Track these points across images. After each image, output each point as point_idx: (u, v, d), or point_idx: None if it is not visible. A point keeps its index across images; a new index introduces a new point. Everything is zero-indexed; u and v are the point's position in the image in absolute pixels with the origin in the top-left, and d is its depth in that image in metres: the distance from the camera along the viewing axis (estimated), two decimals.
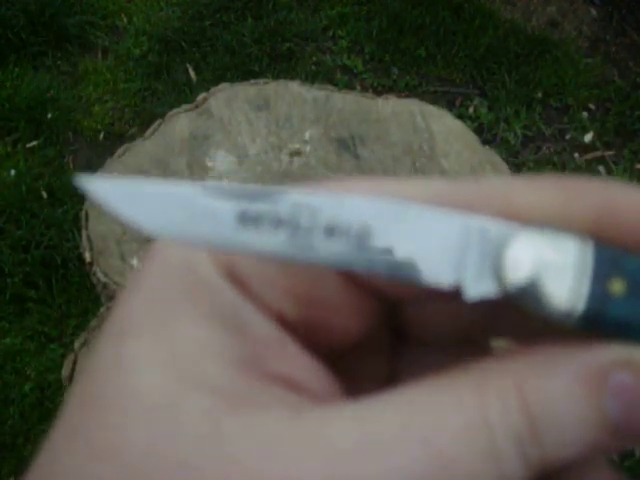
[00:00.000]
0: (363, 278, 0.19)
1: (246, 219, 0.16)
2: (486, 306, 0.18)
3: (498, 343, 0.22)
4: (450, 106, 1.76)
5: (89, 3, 1.89)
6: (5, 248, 1.45)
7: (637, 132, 1.77)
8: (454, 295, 0.17)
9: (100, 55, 1.83)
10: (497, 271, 0.17)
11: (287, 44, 1.83)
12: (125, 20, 1.89)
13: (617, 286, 0.16)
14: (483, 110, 1.77)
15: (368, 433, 0.16)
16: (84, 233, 0.96)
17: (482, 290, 0.17)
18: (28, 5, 1.79)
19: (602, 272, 0.16)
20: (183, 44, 1.82)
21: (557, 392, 0.16)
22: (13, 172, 1.57)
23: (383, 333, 0.21)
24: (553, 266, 0.16)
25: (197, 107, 1.07)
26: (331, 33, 1.90)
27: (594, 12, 2.02)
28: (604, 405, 0.16)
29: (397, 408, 0.16)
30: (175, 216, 0.16)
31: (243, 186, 0.17)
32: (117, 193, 0.16)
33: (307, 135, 1.05)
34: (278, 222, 0.16)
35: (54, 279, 1.43)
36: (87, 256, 0.94)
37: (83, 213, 0.98)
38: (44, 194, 1.54)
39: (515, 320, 0.19)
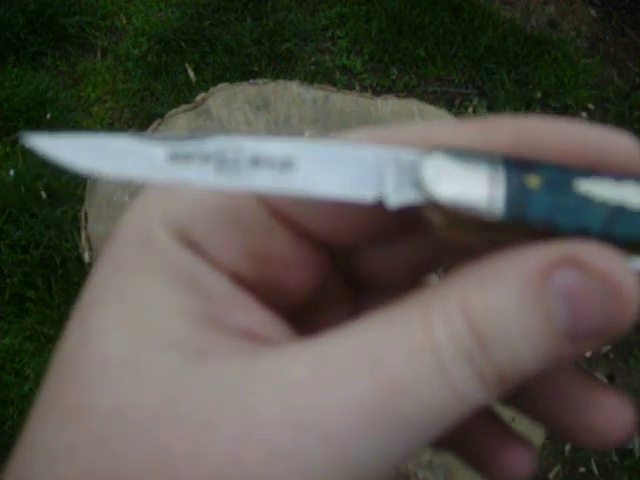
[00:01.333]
0: (308, 227, 0.20)
1: (177, 157, 0.18)
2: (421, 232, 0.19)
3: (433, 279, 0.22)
4: (449, 106, 1.76)
5: (88, 3, 1.89)
6: (4, 248, 1.45)
7: (636, 132, 1.77)
8: (379, 208, 0.18)
9: (99, 55, 1.83)
10: (417, 184, 0.18)
11: (286, 44, 1.83)
12: (124, 20, 1.89)
13: (533, 180, 0.17)
14: (482, 110, 1.77)
15: (319, 365, 0.16)
16: (83, 233, 0.96)
17: (403, 198, 0.17)
18: (27, 5, 1.79)
19: (516, 169, 0.17)
20: (182, 44, 1.82)
21: (500, 302, 0.16)
22: (12, 172, 1.57)
23: (339, 285, 0.22)
24: (467, 169, 0.17)
25: (196, 107, 1.07)
26: (330, 33, 1.90)
27: (593, 12, 2.02)
28: (551, 309, 0.15)
29: (348, 339, 0.17)
30: (114, 160, 0.18)
31: (173, 134, 0.18)
32: (62, 146, 0.18)
33: (306, 135, 1.05)
34: (206, 158, 0.18)
35: (53, 279, 1.43)
36: (86, 256, 0.94)
37: (82, 213, 0.98)
38: (43, 194, 1.54)
39: (460, 256, 0.19)
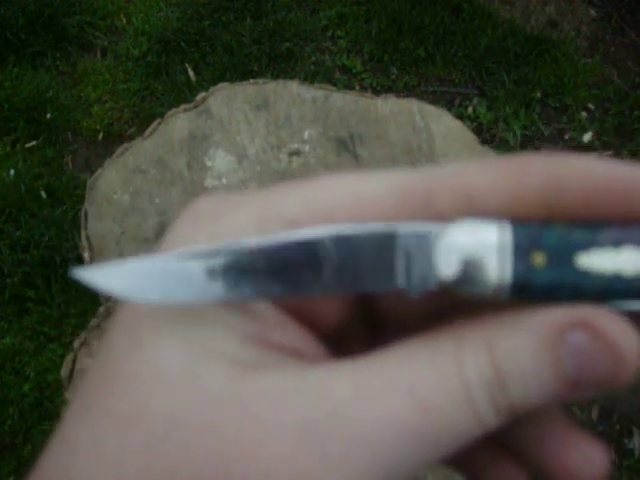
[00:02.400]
0: None
1: (214, 273, 0.19)
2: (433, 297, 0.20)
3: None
4: (449, 106, 1.76)
5: (88, 3, 1.89)
6: (4, 248, 1.45)
7: (636, 132, 1.77)
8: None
9: (99, 55, 1.83)
10: (430, 269, 0.19)
11: (286, 44, 1.83)
12: (124, 20, 1.89)
13: (538, 259, 0.19)
14: (482, 110, 1.77)
15: (362, 383, 0.18)
16: (83, 233, 0.96)
17: (419, 289, 0.20)
18: (27, 5, 1.79)
19: (522, 249, 0.19)
20: (182, 44, 1.82)
21: (520, 348, 0.18)
22: (12, 172, 1.57)
23: (362, 321, 0.24)
24: (477, 254, 0.19)
25: (196, 107, 1.07)
26: (330, 33, 1.90)
27: (593, 12, 2.02)
28: (561, 361, 0.18)
29: (387, 363, 0.19)
30: (156, 284, 0.19)
31: (204, 246, 0.20)
32: (108, 278, 0.19)
33: (306, 135, 1.05)
34: (242, 270, 0.19)
35: (53, 279, 1.43)
36: (86, 256, 0.94)
37: (82, 213, 0.98)
38: (43, 194, 1.54)
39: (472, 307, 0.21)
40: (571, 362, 0.18)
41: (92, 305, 1.37)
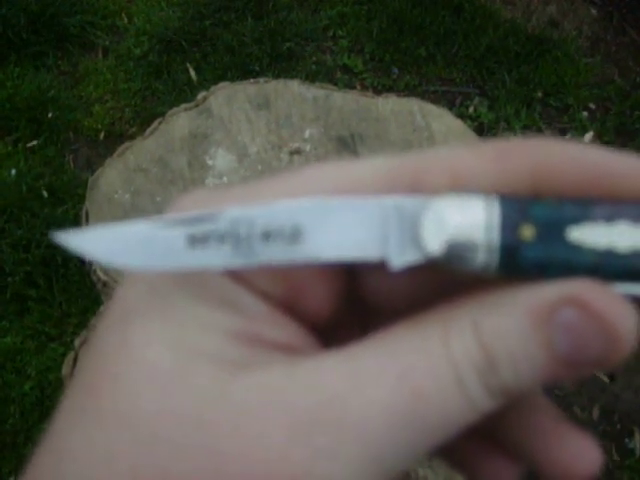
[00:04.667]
0: None
1: (195, 240, 0.19)
2: (419, 272, 0.20)
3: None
4: (450, 106, 1.76)
5: (90, 3, 1.90)
6: (6, 247, 1.46)
7: (637, 132, 1.77)
8: (382, 266, 0.19)
9: (100, 55, 1.83)
10: (417, 241, 0.19)
11: (287, 44, 1.83)
12: (125, 20, 1.89)
13: (526, 232, 0.18)
14: (483, 110, 1.77)
15: (351, 372, 0.18)
16: None
17: (405, 260, 0.19)
18: (29, 5, 1.79)
19: (510, 222, 0.18)
20: (183, 44, 1.82)
21: (508, 328, 0.18)
22: (14, 171, 1.57)
23: (352, 312, 0.23)
24: (464, 227, 0.18)
25: (197, 106, 1.07)
26: (331, 33, 1.90)
27: (594, 12, 2.02)
28: (552, 340, 0.18)
29: (375, 350, 0.19)
30: (139, 252, 0.19)
31: (187, 213, 0.20)
32: (89, 242, 0.19)
33: (307, 134, 1.05)
34: (222, 238, 0.19)
35: (54, 278, 1.43)
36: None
37: (83, 212, 0.98)
38: (45, 193, 1.54)
39: (465, 280, 0.21)
40: (562, 341, 0.17)
41: (93, 304, 1.37)
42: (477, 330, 0.18)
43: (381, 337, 0.19)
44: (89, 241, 0.19)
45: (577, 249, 0.18)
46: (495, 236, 0.18)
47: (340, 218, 0.19)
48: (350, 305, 0.23)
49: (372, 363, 0.18)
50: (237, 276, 0.20)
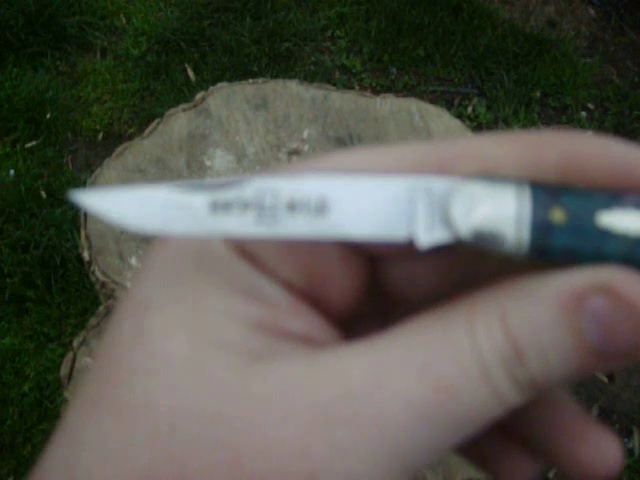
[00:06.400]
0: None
1: (217, 206, 0.19)
2: (448, 256, 0.20)
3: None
4: (449, 106, 1.76)
5: (88, 3, 1.89)
6: (4, 248, 1.46)
7: (636, 132, 1.77)
8: (407, 254, 0.19)
9: (99, 55, 1.83)
10: (446, 221, 0.18)
11: (286, 44, 1.83)
12: (124, 20, 1.89)
13: (557, 215, 0.18)
14: (482, 110, 1.77)
15: (373, 364, 0.17)
16: (83, 232, 0.96)
17: (433, 238, 0.19)
18: (27, 6, 1.79)
19: (541, 204, 0.18)
20: (182, 44, 1.82)
21: (536, 318, 0.17)
22: (12, 172, 1.57)
23: (374, 302, 0.23)
24: (495, 208, 0.18)
25: (195, 106, 1.07)
26: (330, 33, 1.90)
27: (592, 12, 2.02)
28: (582, 329, 0.17)
29: (398, 341, 0.18)
30: (159, 215, 0.19)
31: (212, 179, 0.19)
32: (105, 202, 0.19)
33: (305, 134, 1.05)
34: (245, 205, 0.19)
35: (53, 279, 1.43)
36: (85, 255, 0.94)
37: (82, 213, 0.98)
38: (43, 194, 1.54)
39: (490, 271, 0.20)
40: (592, 330, 0.17)
41: (92, 305, 1.37)
42: (504, 320, 0.17)
43: (404, 328, 0.18)
44: (106, 201, 0.19)
45: (608, 235, 0.18)
46: (526, 218, 0.18)
47: (368, 194, 0.19)
48: (371, 295, 0.22)
49: (394, 355, 0.18)
50: (259, 263, 0.20)
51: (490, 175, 0.19)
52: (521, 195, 0.18)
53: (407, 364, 0.17)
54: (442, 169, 0.19)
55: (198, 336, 0.18)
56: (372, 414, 0.17)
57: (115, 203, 0.19)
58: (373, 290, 0.22)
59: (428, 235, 0.19)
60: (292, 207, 0.19)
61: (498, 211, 0.18)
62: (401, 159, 0.19)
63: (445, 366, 0.17)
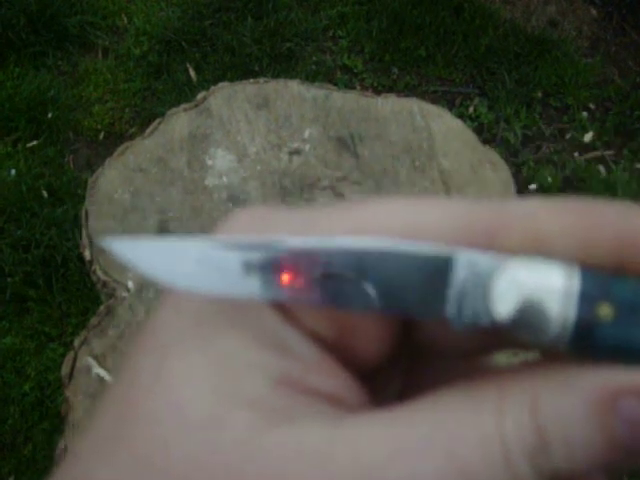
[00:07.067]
0: None
1: (249, 268, 0.18)
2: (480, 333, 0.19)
3: (499, 357, 0.23)
4: (450, 106, 1.76)
5: (89, 3, 1.90)
6: (5, 247, 1.46)
7: (637, 132, 1.77)
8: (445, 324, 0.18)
9: (100, 55, 1.83)
10: (485, 303, 0.17)
11: (287, 44, 1.83)
12: (125, 20, 1.89)
13: (605, 310, 0.17)
14: (483, 110, 1.77)
15: (397, 442, 0.17)
16: (84, 232, 0.96)
17: (470, 321, 0.18)
18: (29, 5, 1.79)
19: (589, 297, 0.17)
20: (183, 44, 1.82)
21: (568, 411, 0.17)
22: (13, 172, 1.57)
23: (400, 348, 0.22)
24: (539, 296, 0.17)
25: (197, 106, 1.07)
26: (331, 33, 1.90)
27: (594, 12, 2.02)
28: (612, 427, 0.17)
29: (425, 417, 0.18)
30: (189, 271, 0.18)
31: (245, 237, 0.19)
32: (137, 251, 0.18)
33: (306, 134, 1.05)
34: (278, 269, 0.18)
35: (54, 278, 1.43)
36: (87, 254, 0.94)
37: (83, 212, 0.98)
38: (44, 194, 1.54)
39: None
40: (624, 430, 0.17)
41: (93, 304, 1.37)
42: (534, 410, 0.17)
43: (431, 402, 0.18)
44: (138, 251, 0.18)
45: None
46: (571, 310, 0.17)
47: (407, 267, 0.18)
48: (400, 346, 0.22)
49: (420, 432, 0.17)
50: (287, 312, 0.19)
51: (539, 253, 0.18)
52: (569, 283, 0.17)
53: (431, 444, 0.17)
54: (491, 236, 0.18)
55: (219, 388, 0.18)
56: None
57: (147, 254, 0.18)
58: (403, 341, 0.22)
59: (465, 319, 0.18)
60: (326, 275, 0.18)
61: (542, 303, 0.17)
62: (449, 218, 0.18)
63: (468, 449, 0.17)
